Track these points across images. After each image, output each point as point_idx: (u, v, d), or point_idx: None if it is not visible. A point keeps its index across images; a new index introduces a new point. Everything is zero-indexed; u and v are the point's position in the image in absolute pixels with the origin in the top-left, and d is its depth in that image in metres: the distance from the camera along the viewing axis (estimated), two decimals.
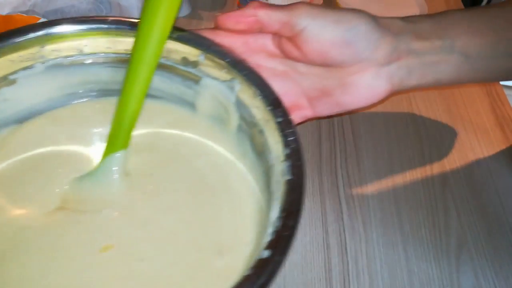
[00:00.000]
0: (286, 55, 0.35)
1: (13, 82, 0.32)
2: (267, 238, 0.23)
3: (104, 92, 0.36)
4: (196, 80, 0.34)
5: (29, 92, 0.33)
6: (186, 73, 0.34)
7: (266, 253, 0.22)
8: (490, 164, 0.44)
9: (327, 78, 0.35)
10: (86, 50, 0.33)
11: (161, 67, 0.34)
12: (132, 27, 0.31)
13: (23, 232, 0.29)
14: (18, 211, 0.30)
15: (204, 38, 0.32)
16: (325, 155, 0.43)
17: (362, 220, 0.38)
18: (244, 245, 0.22)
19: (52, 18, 0.43)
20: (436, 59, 0.34)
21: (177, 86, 0.35)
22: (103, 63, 0.34)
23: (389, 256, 0.36)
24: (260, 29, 0.34)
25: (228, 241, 0.29)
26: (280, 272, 0.28)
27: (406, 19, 0.35)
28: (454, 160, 0.44)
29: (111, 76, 0.35)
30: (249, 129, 0.32)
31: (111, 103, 0.33)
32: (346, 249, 0.36)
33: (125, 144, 0.32)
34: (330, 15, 0.32)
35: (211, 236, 0.30)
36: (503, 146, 0.46)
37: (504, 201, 0.41)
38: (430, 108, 0.50)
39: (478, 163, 0.44)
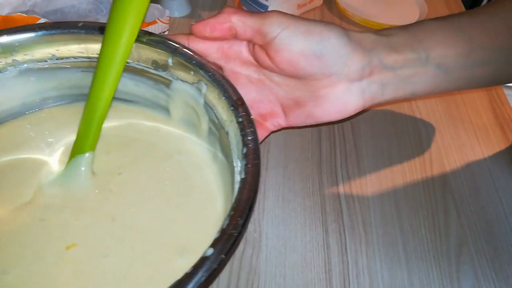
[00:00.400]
0: (259, 64, 0.35)
1: None
2: (216, 236, 0.23)
3: (78, 97, 0.37)
4: (167, 84, 0.35)
5: (2, 96, 0.34)
6: (157, 76, 0.35)
7: (209, 251, 0.22)
8: (490, 164, 0.44)
9: (300, 89, 0.35)
10: (58, 54, 0.34)
11: (133, 71, 0.35)
12: (102, 31, 0.32)
13: None
14: None
15: (172, 41, 0.33)
16: (325, 155, 0.43)
17: (362, 220, 0.38)
18: (206, 247, 0.22)
19: (52, 18, 0.43)
20: (411, 72, 0.34)
21: (150, 90, 0.36)
22: (76, 67, 0.35)
23: (389, 256, 0.36)
24: (234, 36, 0.34)
25: (191, 242, 0.30)
26: (223, 270, 0.28)
27: (380, 32, 0.35)
28: (454, 160, 0.44)
29: (84, 80, 0.36)
30: (217, 131, 0.33)
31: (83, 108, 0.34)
32: (346, 249, 0.36)
33: (92, 146, 0.33)
34: (302, 26, 0.32)
35: (174, 236, 0.30)
36: (503, 146, 0.46)
37: (504, 201, 0.41)
38: (430, 108, 0.50)
39: (478, 163, 0.44)
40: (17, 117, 0.36)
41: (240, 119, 0.29)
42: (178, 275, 0.21)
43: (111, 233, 0.30)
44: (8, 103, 0.34)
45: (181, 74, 0.33)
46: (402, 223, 0.38)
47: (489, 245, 0.38)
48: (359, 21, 0.61)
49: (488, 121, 0.49)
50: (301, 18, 0.33)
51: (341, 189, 0.40)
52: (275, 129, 0.37)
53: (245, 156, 0.27)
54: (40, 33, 0.32)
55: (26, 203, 0.31)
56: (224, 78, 0.31)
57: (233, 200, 0.25)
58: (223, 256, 0.22)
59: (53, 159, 0.34)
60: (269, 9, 0.55)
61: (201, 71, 0.31)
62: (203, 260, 0.22)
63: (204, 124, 0.34)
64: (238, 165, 0.28)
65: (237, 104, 0.29)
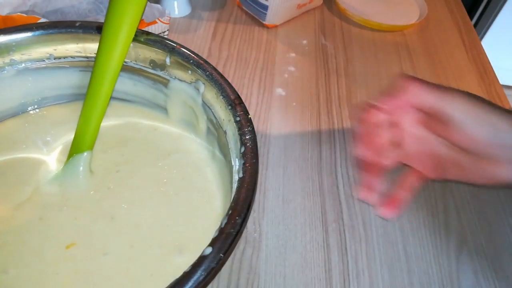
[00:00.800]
0: (432, 131, 0.34)
1: None
2: (214, 235, 0.23)
3: (76, 96, 0.37)
4: (165, 83, 0.35)
5: (0, 96, 0.34)
6: (155, 76, 0.35)
7: (208, 250, 0.22)
8: None
9: (466, 158, 0.34)
10: (56, 54, 0.34)
11: (131, 70, 0.35)
12: (99, 31, 0.32)
13: None
14: None
15: (169, 41, 0.33)
16: (325, 155, 0.43)
17: (362, 219, 0.38)
18: (205, 245, 0.22)
19: (52, 18, 0.43)
20: None
21: (148, 90, 0.36)
22: (74, 67, 0.35)
23: (389, 256, 0.36)
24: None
25: (189, 240, 0.30)
26: (222, 269, 0.28)
27: None
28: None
29: (82, 80, 0.36)
30: (215, 130, 0.33)
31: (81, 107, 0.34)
32: (346, 249, 0.36)
33: (90, 145, 0.33)
34: (482, 114, 0.31)
35: (173, 234, 0.31)
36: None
37: (504, 201, 0.41)
38: None
39: None
40: (14, 116, 0.36)
41: (238, 118, 0.29)
42: (177, 273, 0.21)
43: (110, 232, 0.30)
44: (5, 103, 0.35)
45: (179, 73, 0.33)
46: (402, 223, 0.38)
47: (489, 245, 0.37)
48: (359, 21, 0.61)
49: None
50: (486, 102, 0.32)
51: (341, 189, 0.40)
52: (417, 184, 0.37)
53: (243, 155, 0.27)
54: (37, 32, 0.32)
55: (25, 203, 0.31)
56: (221, 77, 0.31)
57: (231, 200, 0.25)
58: (221, 255, 0.22)
59: (51, 158, 0.34)
60: (269, 9, 0.55)
61: (198, 71, 0.32)
62: (201, 259, 0.22)
63: (202, 123, 0.34)
64: (236, 164, 0.28)
65: (234, 103, 0.29)
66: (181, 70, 0.33)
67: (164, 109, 0.37)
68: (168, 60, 0.33)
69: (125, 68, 0.35)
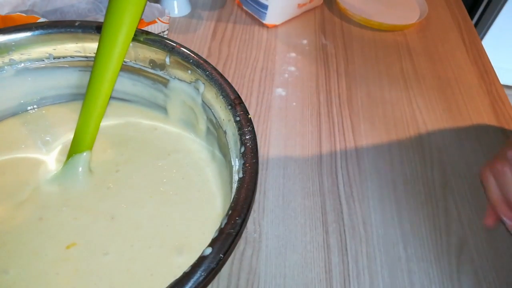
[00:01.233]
0: None
1: None
2: (214, 235, 0.23)
3: (76, 96, 0.37)
4: (164, 83, 0.35)
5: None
6: (155, 75, 0.35)
7: (208, 251, 0.22)
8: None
9: None
10: (55, 54, 0.34)
11: (131, 70, 0.35)
12: (99, 31, 0.32)
13: None
14: None
15: (169, 40, 0.33)
16: (325, 155, 0.43)
17: (363, 220, 0.38)
18: (205, 245, 0.22)
19: (51, 17, 0.43)
20: None
21: (148, 89, 0.36)
22: (73, 67, 0.35)
23: (389, 256, 0.36)
24: None
25: (189, 240, 0.30)
26: (222, 270, 0.28)
27: None
28: (454, 160, 0.44)
29: (81, 80, 0.36)
30: (215, 130, 0.33)
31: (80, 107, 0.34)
32: (346, 249, 0.36)
33: (89, 145, 0.33)
34: None
35: (173, 234, 0.31)
36: (503, 146, 0.46)
37: None
38: (430, 107, 0.50)
39: (478, 163, 0.44)
40: (14, 115, 0.36)
41: (238, 118, 0.29)
42: (177, 273, 0.21)
43: (110, 231, 0.30)
44: (5, 103, 0.34)
45: (179, 73, 0.33)
46: (403, 223, 0.38)
47: (490, 245, 0.37)
48: (359, 20, 0.61)
49: (489, 121, 0.49)
50: None
51: (341, 189, 0.40)
52: None
53: (243, 155, 0.27)
54: (36, 32, 0.32)
55: (24, 202, 0.31)
56: (221, 77, 0.31)
57: (231, 199, 0.25)
58: (221, 255, 0.22)
59: (51, 158, 0.34)
60: (269, 8, 0.55)
61: (198, 70, 0.31)
62: (201, 259, 0.21)
63: (202, 123, 0.34)
64: (236, 164, 0.28)
65: (234, 103, 0.29)
66: (180, 69, 0.33)
67: (163, 109, 0.37)
68: (167, 60, 0.33)
69: (125, 68, 0.35)
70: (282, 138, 0.44)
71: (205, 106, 0.32)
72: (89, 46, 0.34)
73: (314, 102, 0.48)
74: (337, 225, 0.37)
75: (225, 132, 0.30)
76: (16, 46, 0.32)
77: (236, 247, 0.34)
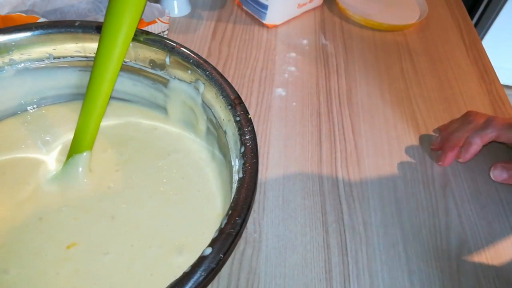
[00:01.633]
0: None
1: None
2: (214, 235, 0.23)
3: (76, 96, 0.37)
4: (164, 83, 0.35)
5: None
6: (155, 75, 0.35)
7: (208, 251, 0.22)
8: (490, 164, 0.44)
9: None
10: (55, 54, 0.34)
11: (131, 70, 0.35)
12: (99, 30, 0.32)
13: None
14: None
15: (169, 40, 0.33)
16: (325, 155, 0.43)
17: (363, 220, 0.38)
18: (205, 245, 0.22)
19: (51, 17, 0.43)
20: None
21: (148, 89, 0.36)
22: (73, 67, 0.35)
23: (389, 256, 0.36)
24: None
25: (189, 240, 0.30)
26: (222, 270, 0.28)
27: None
28: (454, 160, 0.44)
29: (81, 80, 0.36)
30: (215, 130, 0.33)
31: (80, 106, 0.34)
32: (346, 249, 0.36)
33: (89, 145, 0.33)
34: None
35: (173, 234, 0.31)
36: (503, 146, 0.46)
37: (504, 201, 0.41)
38: (430, 107, 0.50)
39: (478, 163, 0.44)
40: (14, 115, 0.36)
41: (238, 118, 0.29)
42: (177, 273, 0.21)
43: (110, 231, 0.30)
44: (5, 102, 0.34)
45: (179, 73, 0.33)
46: (403, 223, 0.38)
47: (490, 245, 0.37)
48: (359, 20, 0.61)
49: None
50: None
51: (341, 189, 0.40)
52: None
53: (243, 155, 0.27)
54: (36, 32, 0.32)
55: (24, 202, 0.31)
56: (221, 77, 0.31)
57: (231, 199, 0.25)
58: (221, 255, 0.22)
59: (51, 158, 0.34)
60: (269, 8, 0.55)
61: (198, 70, 0.31)
62: (201, 259, 0.21)
63: (202, 123, 0.34)
64: (236, 164, 0.28)
65: (234, 103, 0.29)
66: (180, 69, 0.33)
67: (163, 109, 0.37)
68: (167, 60, 0.33)
69: (125, 68, 0.35)
70: (282, 138, 0.44)
71: (205, 106, 0.32)
72: (89, 46, 0.34)
73: (314, 102, 0.48)
74: (337, 225, 0.37)
75: (225, 132, 0.30)
76: (16, 46, 0.32)
77: (236, 247, 0.34)
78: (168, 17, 0.48)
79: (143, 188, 0.33)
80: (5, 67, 0.33)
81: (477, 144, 0.41)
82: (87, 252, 0.29)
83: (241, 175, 0.26)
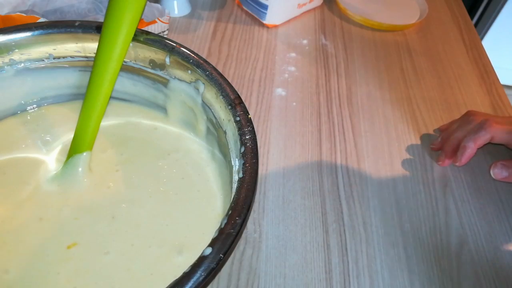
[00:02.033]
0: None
1: None
2: (214, 235, 0.23)
3: (76, 96, 0.37)
4: (164, 83, 0.35)
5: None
6: (155, 75, 0.35)
7: (208, 251, 0.22)
8: (490, 164, 0.44)
9: None
10: (55, 54, 0.34)
11: (131, 70, 0.35)
12: (99, 30, 0.32)
13: None
14: None
15: (169, 40, 0.33)
16: (325, 155, 0.43)
17: (363, 220, 0.38)
18: (205, 245, 0.22)
19: (51, 17, 0.43)
20: None
21: (148, 89, 0.36)
22: (73, 67, 0.35)
23: (389, 256, 0.36)
24: None
25: (189, 240, 0.30)
26: (222, 270, 0.28)
27: None
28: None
29: (81, 80, 0.36)
30: (215, 130, 0.33)
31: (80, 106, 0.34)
32: (346, 249, 0.36)
33: (89, 145, 0.33)
34: None
35: (173, 233, 0.31)
36: (503, 146, 0.46)
37: (504, 201, 0.41)
38: (430, 107, 0.50)
39: (478, 163, 0.44)
40: (14, 115, 0.36)
41: (238, 118, 0.29)
42: (177, 272, 0.21)
43: (111, 231, 0.30)
44: (5, 102, 0.34)
45: (179, 73, 0.33)
46: (403, 223, 0.38)
47: (490, 245, 0.37)
48: (359, 20, 0.61)
49: None
50: None
51: (341, 189, 0.40)
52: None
53: (243, 155, 0.27)
54: (36, 32, 0.32)
55: (24, 202, 0.31)
56: (221, 77, 0.31)
57: (231, 200, 0.25)
58: (221, 255, 0.22)
59: (51, 158, 0.34)
60: (269, 8, 0.55)
61: (198, 70, 0.31)
62: (201, 259, 0.22)
63: (202, 123, 0.34)
64: (236, 164, 0.28)
65: (234, 103, 0.29)
66: (180, 69, 0.33)
67: (163, 109, 0.37)
68: (167, 60, 0.33)
69: (125, 68, 0.35)
70: (282, 138, 0.44)
71: (205, 106, 0.32)
72: (89, 46, 0.34)
73: (314, 102, 0.48)
74: (337, 225, 0.37)
75: (225, 132, 0.30)
76: (17, 46, 0.32)
77: (236, 247, 0.34)
78: (168, 17, 0.48)
79: (143, 188, 0.33)
80: (5, 67, 0.33)
81: (470, 148, 0.41)
82: (88, 252, 0.29)
83: (241, 175, 0.26)
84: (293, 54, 0.54)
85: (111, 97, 0.32)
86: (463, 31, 0.63)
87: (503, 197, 0.41)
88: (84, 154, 0.33)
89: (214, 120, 0.32)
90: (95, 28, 0.32)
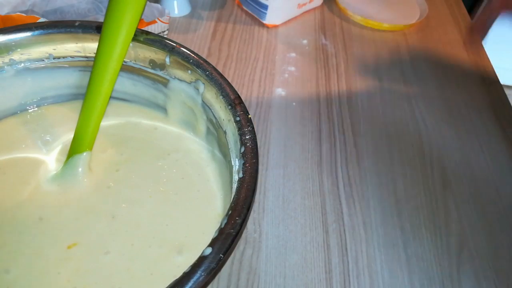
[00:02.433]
0: None
1: None
2: (214, 235, 0.23)
3: (76, 96, 0.37)
4: (164, 83, 0.35)
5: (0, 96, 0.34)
6: (155, 75, 0.35)
7: (208, 251, 0.22)
8: (490, 164, 0.44)
9: None
10: (55, 54, 0.34)
11: (131, 70, 0.35)
12: (99, 30, 0.32)
13: None
14: None
15: (169, 40, 0.33)
16: (325, 155, 0.43)
17: (363, 220, 0.38)
18: (205, 245, 0.22)
19: (51, 17, 0.43)
20: None
21: (148, 89, 0.36)
22: (73, 67, 0.35)
23: (389, 256, 0.36)
24: None
25: (189, 240, 0.30)
26: (222, 270, 0.28)
27: None
28: (454, 160, 0.44)
29: (81, 80, 0.36)
30: (215, 130, 0.33)
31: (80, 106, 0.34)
32: (346, 249, 0.36)
33: (89, 145, 0.33)
34: None
35: (173, 233, 0.31)
36: (503, 146, 0.46)
37: (505, 201, 0.41)
38: (430, 107, 0.50)
39: (478, 163, 0.44)
40: (14, 115, 0.36)
41: (238, 118, 0.29)
42: (177, 272, 0.21)
43: (111, 231, 0.30)
44: (5, 102, 0.34)
45: (179, 73, 0.33)
46: (403, 223, 0.38)
47: (490, 245, 0.37)
48: (359, 20, 0.61)
49: (489, 121, 0.49)
50: None
51: (341, 189, 0.40)
52: None
53: (243, 155, 0.27)
54: (36, 32, 0.32)
55: (24, 202, 0.31)
56: (221, 77, 0.31)
57: (231, 200, 0.25)
58: (221, 255, 0.22)
59: (51, 158, 0.34)
60: (269, 8, 0.55)
61: (198, 70, 0.31)
62: (201, 259, 0.22)
63: (202, 123, 0.34)
64: (236, 164, 0.28)
65: (234, 103, 0.29)
66: (180, 69, 0.33)
67: (163, 109, 0.37)
68: (167, 60, 0.33)
69: (125, 68, 0.35)
70: (282, 138, 0.44)
71: (205, 106, 0.33)
72: (89, 46, 0.34)
73: (314, 102, 0.48)
74: (337, 225, 0.37)
75: (225, 132, 0.30)
76: (16, 46, 0.32)
77: (236, 247, 0.34)
78: (168, 17, 0.48)
79: (143, 188, 0.33)
80: (5, 67, 0.33)
81: None
82: (88, 252, 0.29)
83: (241, 175, 0.26)
84: (293, 54, 0.54)
85: (111, 97, 0.32)
86: (463, 31, 0.63)
87: (503, 197, 0.41)
88: (84, 154, 0.33)
89: (214, 120, 0.32)
90: (95, 28, 0.32)
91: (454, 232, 0.38)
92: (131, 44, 0.32)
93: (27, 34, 0.32)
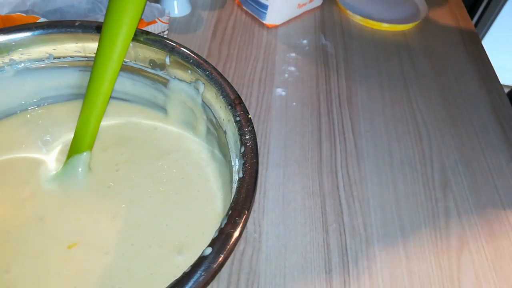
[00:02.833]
0: None
1: None
2: (214, 235, 0.23)
3: (76, 96, 0.37)
4: (164, 83, 0.35)
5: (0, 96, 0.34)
6: (155, 75, 0.35)
7: (208, 251, 0.22)
8: (490, 164, 0.44)
9: None
10: (55, 54, 0.34)
11: (131, 70, 0.35)
12: (99, 30, 0.32)
13: None
14: None
15: (169, 40, 0.33)
16: (325, 155, 0.43)
17: (363, 220, 0.38)
18: (205, 245, 0.22)
19: (51, 18, 0.43)
20: None
21: (148, 89, 0.36)
22: (73, 67, 0.35)
23: (389, 256, 0.36)
24: None
25: (189, 240, 0.30)
26: (222, 270, 0.28)
27: None
28: (454, 160, 0.44)
29: (81, 80, 0.36)
30: (215, 130, 0.33)
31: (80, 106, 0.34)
32: (346, 249, 0.36)
33: (89, 145, 0.33)
34: None
35: (173, 233, 0.31)
36: (503, 146, 0.46)
37: (504, 201, 0.41)
38: (430, 107, 0.50)
39: (478, 162, 0.44)
40: (14, 115, 0.36)
41: (238, 118, 0.29)
42: (177, 272, 0.21)
43: (111, 231, 0.30)
44: (5, 102, 0.35)
45: (179, 73, 0.33)
46: (403, 223, 0.38)
47: (490, 245, 0.37)
48: (359, 20, 0.61)
49: (489, 121, 0.49)
50: None
51: (341, 189, 0.40)
52: None
53: (243, 155, 0.27)
54: (37, 32, 0.32)
55: (25, 202, 0.31)
56: (221, 77, 0.31)
57: (231, 200, 0.25)
58: (221, 255, 0.22)
59: (51, 158, 0.34)
60: (269, 8, 0.55)
61: (198, 70, 0.31)
62: (201, 259, 0.21)
63: (202, 123, 0.34)
64: (236, 164, 0.28)
65: (234, 103, 0.29)
66: (180, 69, 0.33)
67: (163, 109, 0.37)
68: (167, 60, 0.33)
69: (124, 68, 0.35)
70: (282, 138, 0.44)
71: (205, 106, 0.33)
72: (89, 46, 0.34)
73: (314, 102, 0.48)
74: (337, 225, 0.37)
75: (225, 132, 0.30)
76: (16, 46, 0.32)
77: (236, 247, 0.34)
78: (168, 17, 0.48)
79: (143, 188, 0.33)
80: (5, 67, 0.33)
81: None
82: (88, 252, 0.29)
83: (241, 175, 0.26)
84: (293, 54, 0.54)
85: (111, 97, 0.32)
86: (463, 31, 0.63)
87: (503, 197, 0.41)
88: (84, 154, 0.33)
89: (214, 120, 0.32)
90: (95, 28, 0.32)
91: (454, 232, 0.38)
92: (131, 44, 0.32)
93: (27, 34, 0.32)
